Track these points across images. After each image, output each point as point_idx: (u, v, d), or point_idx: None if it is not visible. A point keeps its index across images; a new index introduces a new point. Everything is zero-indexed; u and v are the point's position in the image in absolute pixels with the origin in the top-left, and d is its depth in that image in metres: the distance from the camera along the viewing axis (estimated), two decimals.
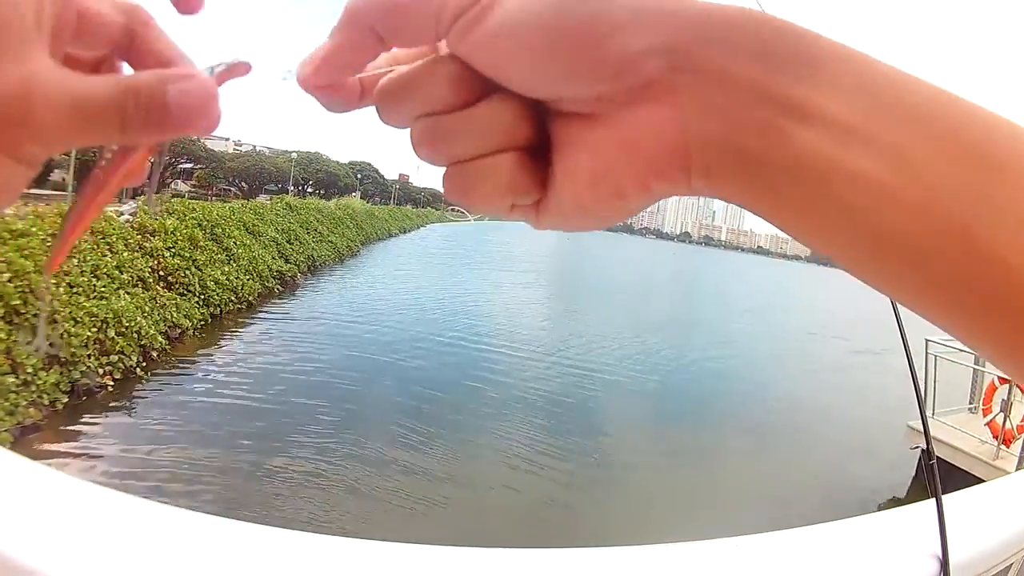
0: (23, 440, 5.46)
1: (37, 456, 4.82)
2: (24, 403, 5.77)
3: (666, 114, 0.22)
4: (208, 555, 0.50)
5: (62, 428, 5.91)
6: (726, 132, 0.21)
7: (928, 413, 6.67)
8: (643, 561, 0.55)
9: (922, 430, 5.13)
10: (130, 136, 0.22)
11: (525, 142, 0.25)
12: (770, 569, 0.61)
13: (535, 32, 0.22)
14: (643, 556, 0.55)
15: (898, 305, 0.62)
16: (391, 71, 0.25)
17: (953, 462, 6.31)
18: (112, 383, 7.05)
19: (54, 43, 0.23)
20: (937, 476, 0.75)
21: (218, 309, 10.72)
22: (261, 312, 11.74)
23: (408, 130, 0.25)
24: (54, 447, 5.54)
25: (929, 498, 0.79)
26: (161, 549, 0.49)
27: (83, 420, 6.15)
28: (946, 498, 0.76)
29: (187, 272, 10.42)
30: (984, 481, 0.96)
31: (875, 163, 0.19)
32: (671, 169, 0.22)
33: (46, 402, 6.05)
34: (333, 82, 0.26)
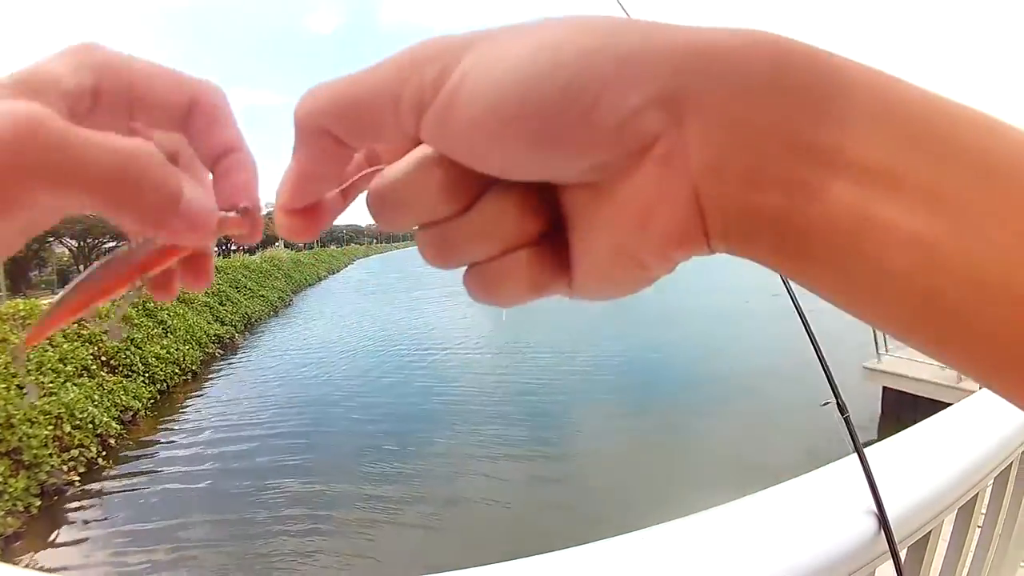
0: (9, 550, 5.56)
1: None
2: (1, 513, 5.86)
3: (676, 175, 0.18)
4: None
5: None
6: (744, 193, 0.18)
7: (881, 351, 6.99)
8: (577, 558, 0.58)
9: (879, 368, 6.94)
10: (127, 214, 0.20)
11: (537, 232, 0.22)
12: (699, 548, 0.60)
13: (515, 111, 0.19)
14: (576, 556, 0.58)
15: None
16: (374, 171, 0.23)
17: (918, 393, 6.33)
18: (78, 478, 7.12)
19: (102, 119, 0.23)
20: (854, 430, 0.70)
21: (165, 384, 10.72)
22: (207, 382, 11.77)
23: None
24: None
25: (892, 435, 0.80)
26: None
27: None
28: (880, 446, 0.77)
29: (128, 353, 10.39)
30: (952, 406, 0.98)
31: (925, 220, 0.16)
32: (690, 237, 0.19)
33: (21, 509, 6.13)
34: (313, 201, 0.23)
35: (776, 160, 0.17)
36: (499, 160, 0.20)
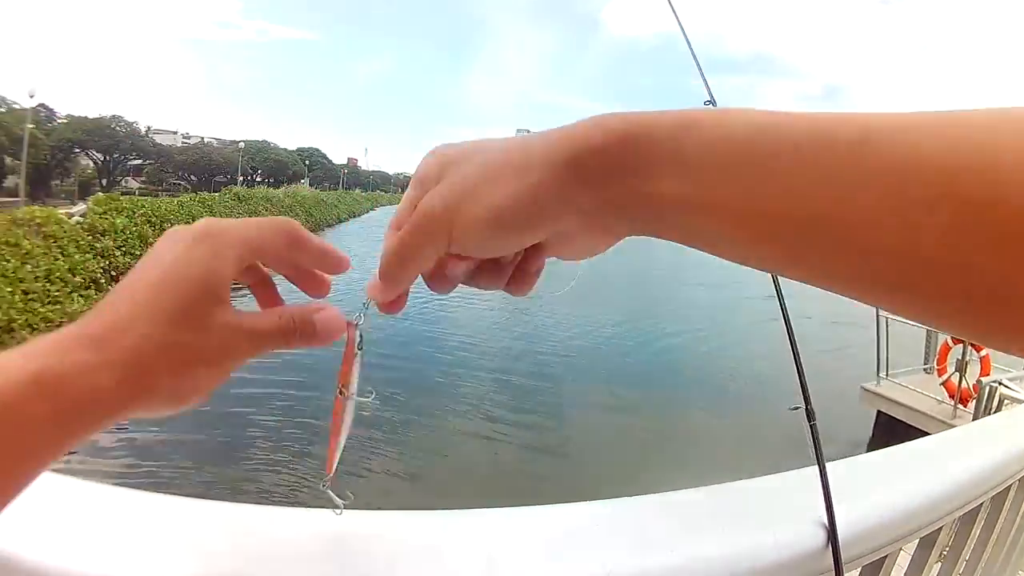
0: None
1: None
2: None
3: (599, 230, 0.34)
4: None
5: None
6: (630, 220, 0.32)
7: (882, 374, 6.82)
8: (509, 521, 0.57)
9: (877, 392, 6.60)
10: (291, 346, 0.36)
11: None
12: (643, 534, 0.58)
13: (494, 226, 0.33)
14: (507, 517, 0.57)
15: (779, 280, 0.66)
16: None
17: (910, 422, 6.28)
18: None
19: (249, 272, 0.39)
20: (819, 440, 0.67)
21: None
22: None
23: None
24: None
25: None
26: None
27: None
28: (848, 461, 0.76)
29: None
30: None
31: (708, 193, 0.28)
32: (612, 235, 0.35)
33: None
34: (401, 292, 0.38)
35: (633, 205, 0.31)
36: (492, 249, 0.35)
